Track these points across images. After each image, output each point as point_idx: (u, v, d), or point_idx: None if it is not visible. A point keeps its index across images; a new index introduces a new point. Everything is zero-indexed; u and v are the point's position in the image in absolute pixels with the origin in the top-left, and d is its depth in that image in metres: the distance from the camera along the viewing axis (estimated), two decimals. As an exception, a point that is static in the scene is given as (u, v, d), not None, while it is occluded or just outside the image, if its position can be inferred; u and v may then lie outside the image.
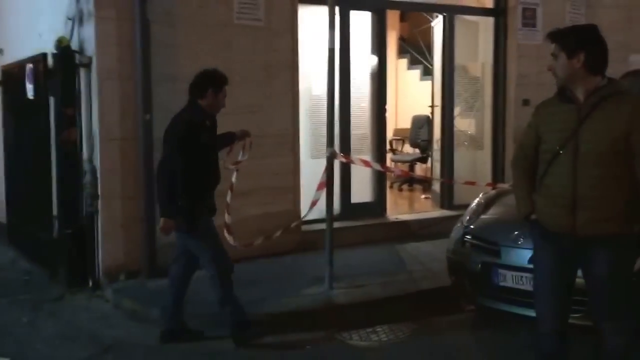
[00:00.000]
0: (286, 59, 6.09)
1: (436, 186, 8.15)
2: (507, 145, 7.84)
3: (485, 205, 4.79)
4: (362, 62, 6.97)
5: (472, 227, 4.62)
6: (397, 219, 7.16)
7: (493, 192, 5.13)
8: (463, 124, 7.90)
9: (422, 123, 9.58)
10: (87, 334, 4.59)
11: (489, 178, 7.87)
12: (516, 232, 4.12)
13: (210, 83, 4.13)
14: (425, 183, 9.35)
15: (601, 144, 2.84)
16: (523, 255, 4.01)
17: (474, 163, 8.10)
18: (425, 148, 9.38)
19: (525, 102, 7.69)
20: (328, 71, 5.08)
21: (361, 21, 6.93)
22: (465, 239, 4.59)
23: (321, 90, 5.93)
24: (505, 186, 5.17)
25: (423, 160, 9.50)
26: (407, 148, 10.29)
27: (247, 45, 5.90)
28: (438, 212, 7.56)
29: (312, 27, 6.43)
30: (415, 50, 10.75)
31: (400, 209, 7.93)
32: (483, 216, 4.67)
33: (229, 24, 5.79)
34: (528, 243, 3.80)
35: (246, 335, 4.29)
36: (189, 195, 4.03)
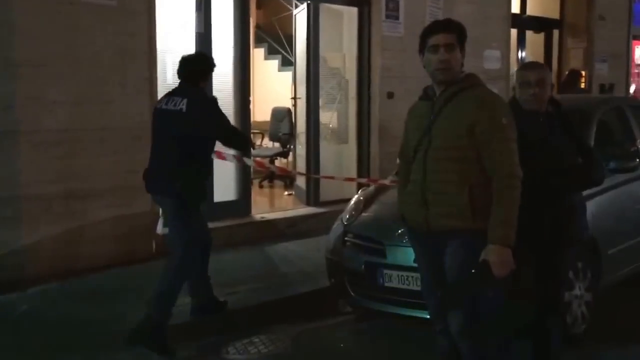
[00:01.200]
0: (142, 43, 5.74)
1: (300, 182, 8.09)
2: (371, 139, 7.97)
3: (365, 203, 4.75)
4: (225, 49, 6.70)
5: (353, 225, 4.56)
6: (263, 218, 6.99)
7: (372, 188, 5.10)
8: (326, 117, 7.94)
9: (282, 116, 9.46)
10: None
11: (354, 172, 7.96)
12: (401, 230, 4.07)
13: (209, 68, 4.32)
14: (286, 179, 9.28)
15: (447, 139, 2.88)
16: (409, 254, 3.92)
17: (339, 157, 8.16)
18: (286, 142, 9.26)
19: (390, 95, 7.91)
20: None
21: (222, 5, 6.63)
22: (347, 238, 4.53)
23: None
24: (386, 182, 5.13)
25: (284, 154, 9.37)
26: (267, 142, 10.10)
27: (96, 28, 5.49)
28: (304, 210, 7.52)
29: (172, 8, 6.14)
30: (273, 39, 10.62)
31: (264, 207, 7.77)
32: (364, 214, 4.62)
33: (75, 2, 5.35)
34: None
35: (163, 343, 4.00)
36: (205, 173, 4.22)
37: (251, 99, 7.11)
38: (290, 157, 9.45)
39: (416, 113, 3.12)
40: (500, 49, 9.23)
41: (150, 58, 5.80)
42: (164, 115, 4.15)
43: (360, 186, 7.74)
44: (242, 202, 6.95)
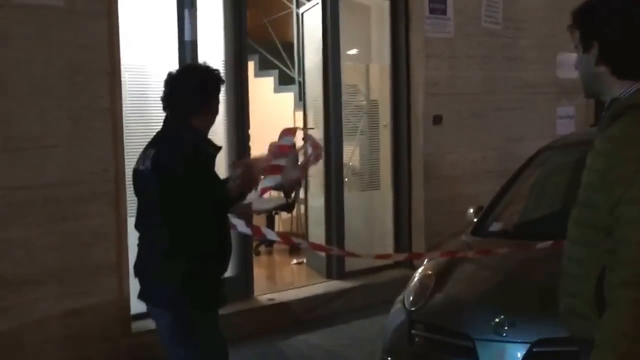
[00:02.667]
0: (101, 57, 5.56)
1: None
2: (413, 182, 7.80)
3: (437, 278, 4.47)
4: (214, 64, 6.42)
5: (423, 312, 4.32)
6: (271, 300, 6.69)
7: (441, 258, 4.79)
8: (345, 153, 7.78)
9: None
10: None
11: (390, 230, 7.83)
12: (498, 319, 3.92)
13: (207, 89, 3.87)
14: None
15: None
16: (511, 353, 3.88)
17: (367, 210, 8.00)
18: (291, 190, 8.92)
19: (437, 120, 7.77)
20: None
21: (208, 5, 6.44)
22: (415, 331, 4.29)
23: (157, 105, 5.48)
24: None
25: (288, 207, 9.08)
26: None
27: (36, 37, 5.30)
28: (324, 285, 7.37)
29: (143, 7, 6.03)
30: (267, 49, 10.46)
31: (268, 283, 7.60)
32: (438, 294, 4.39)
33: (4, 4, 5.14)
34: (516, 333, 3.84)
35: None
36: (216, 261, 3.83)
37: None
38: (295, 210, 9.28)
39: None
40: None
41: (113, 79, 5.61)
42: (139, 181, 3.78)
43: (404, 251, 7.61)
44: (242, 279, 6.69)
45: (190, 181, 3.55)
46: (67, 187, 5.40)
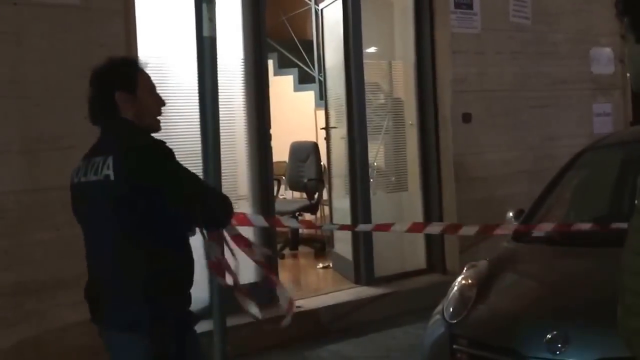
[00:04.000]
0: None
1: (342, 249, 7.68)
2: (443, 183, 7.58)
3: (480, 288, 4.19)
4: (233, 62, 6.37)
5: (465, 325, 4.03)
6: (299, 308, 6.38)
7: (483, 263, 4.50)
8: (369, 152, 7.56)
9: (306, 154, 9.03)
10: None
11: (421, 236, 7.51)
12: (551, 335, 3.61)
13: (122, 73, 3.27)
14: (316, 244, 9.01)
15: None
16: None
17: (396, 211, 7.75)
18: (313, 190, 8.75)
19: (466, 118, 7.56)
20: (199, 77, 4.73)
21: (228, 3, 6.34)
22: (457, 347, 3.99)
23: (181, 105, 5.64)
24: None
25: (311, 209, 8.87)
26: (283, 191, 9.69)
27: (52, 36, 5.17)
28: (353, 291, 7.08)
29: (159, 6, 5.93)
30: (286, 47, 10.31)
31: (295, 289, 7.30)
32: (480, 305, 4.10)
33: (20, 2, 5.03)
34: (573, 351, 3.55)
35: None
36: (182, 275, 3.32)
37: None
38: (319, 212, 9.14)
39: None
40: (613, 46, 8.77)
41: None
42: (86, 194, 3.29)
43: (437, 256, 7.37)
44: (266, 284, 6.37)
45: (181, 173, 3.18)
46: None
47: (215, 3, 4.26)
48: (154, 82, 3.27)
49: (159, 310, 3.11)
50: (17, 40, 5.01)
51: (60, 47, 5.17)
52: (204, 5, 4.32)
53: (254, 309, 4.03)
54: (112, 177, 3.05)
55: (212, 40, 4.32)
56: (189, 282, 3.28)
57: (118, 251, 3.18)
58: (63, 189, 5.08)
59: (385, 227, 5.55)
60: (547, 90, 7.89)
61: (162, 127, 3.34)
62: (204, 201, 3.19)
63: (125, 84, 3.19)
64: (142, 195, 3.04)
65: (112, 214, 3.13)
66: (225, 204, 3.28)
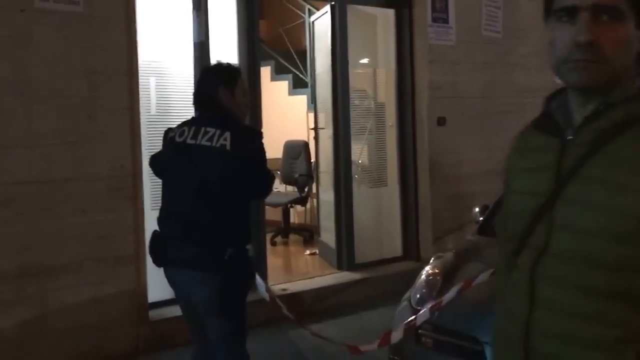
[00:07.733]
0: (119, 61, 5.15)
1: (327, 237, 7.45)
2: (419, 180, 7.32)
3: (445, 277, 3.94)
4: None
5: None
6: (285, 290, 6.18)
7: (450, 255, 4.27)
8: (354, 151, 7.33)
9: (297, 152, 8.76)
10: None
11: (398, 225, 7.35)
12: None
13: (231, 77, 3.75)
14: (305, 232, 8.78)
15: (590, 238, 1.45)
16: None
17: (376, 206, 7.50)
18: (304, 184, 8.51)
19: (441, 121, 7.31)
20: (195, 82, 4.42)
21: (221, 9, 6.03)
22: (422, 331, 3.81)
23: (171, 106, 5.50)
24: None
25: (301, 201, 8.64)
26: (277, 185, 9.38)
27: (56, 41, 4.90)
28: (335, 276, 6.85)
29: (159, 12, 5.64)
30: (282, 55, 10.12)
31: (282, 274, 7.07)
32: (447, 295, 3.85)
33: (27, 9, 4.76)
34: None
35: None
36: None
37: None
38: (308, 204, 8.93)
39: (529, 157, 1.66)
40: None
41: (131, 81, 5.21)
42: (193, 152, 3.55)
43: (412, 245, 7.15)
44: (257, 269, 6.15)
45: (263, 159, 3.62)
46: (87, 182, 5.04)
47: (204, 10, 4.08)
48: (245, 86, 3.74)
49: (238, 252, 3.49)
50: (24, 44, 4.75)
51: (65, 50, 4.92)
52: (194, 12, 4.12)
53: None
54: (228, 147, 3.42)
55: (203, 45, 4.14)
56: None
57: (213, 202, 3.48)
58: (66, 180, 4.93)
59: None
60: (515, 98, 7.63)
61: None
62: (269, 177, 3.65)
63: (227, 84, 3.62)
64: (244, 164, 3.44)
65: (218, 174, 3.45)
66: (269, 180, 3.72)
